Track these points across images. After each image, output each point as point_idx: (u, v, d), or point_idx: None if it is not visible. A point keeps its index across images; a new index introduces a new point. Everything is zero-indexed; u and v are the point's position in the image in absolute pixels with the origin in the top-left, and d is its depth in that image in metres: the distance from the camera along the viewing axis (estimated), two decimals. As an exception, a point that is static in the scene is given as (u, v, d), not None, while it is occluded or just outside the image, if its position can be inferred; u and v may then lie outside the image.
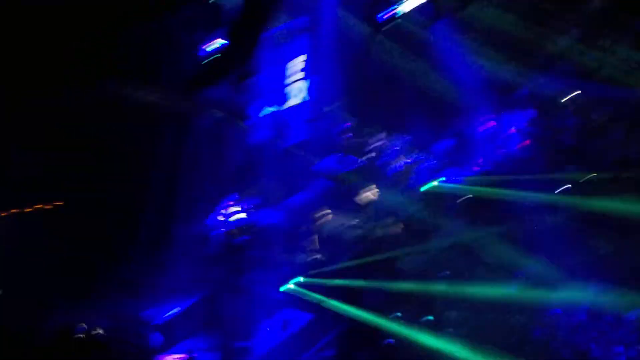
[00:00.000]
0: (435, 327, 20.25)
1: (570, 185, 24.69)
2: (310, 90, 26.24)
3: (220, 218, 22.62)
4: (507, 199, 24.04)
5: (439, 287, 21.38)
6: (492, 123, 26.95)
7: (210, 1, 21.64)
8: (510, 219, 23.59)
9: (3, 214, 18.72)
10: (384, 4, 25.63)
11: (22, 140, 18.47)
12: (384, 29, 24.96)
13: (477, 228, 24.01)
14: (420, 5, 25.83)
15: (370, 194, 24.59)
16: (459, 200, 25.09)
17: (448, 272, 22.31)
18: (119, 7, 18.71)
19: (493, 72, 28.70)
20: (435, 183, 25.51)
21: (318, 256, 22.57)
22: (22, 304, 17.92)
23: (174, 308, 20.59)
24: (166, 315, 20.34)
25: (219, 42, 21.61)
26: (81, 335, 18.07)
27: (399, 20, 25.48)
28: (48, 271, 18.73)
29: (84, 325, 18.31)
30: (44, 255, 18.86)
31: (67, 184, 19.64)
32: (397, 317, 20.96)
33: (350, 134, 27.24)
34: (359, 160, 26.80)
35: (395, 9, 25.58)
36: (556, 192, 24.47)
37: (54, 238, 19.28)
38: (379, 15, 25.09)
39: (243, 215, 22.80)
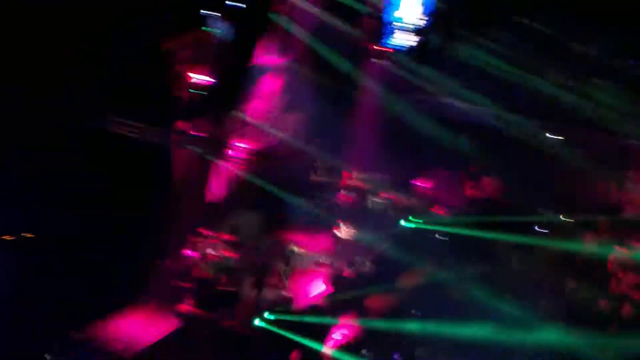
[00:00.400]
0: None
1: (546, 230, 24.76)
2: (290, 126, 26.30)
3: (193, 252, 22.64)
4: (482, 239, 24.06)
5: (408, 326, 21.29)
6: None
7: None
8: (484, 259, 23.64)
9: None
10: (371, 40, 25.85)
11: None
12: (370, 63, 25.05)
13: (451, 267, 24.03)
14: (408, 44, 26.04)
15: (340, 231, 24.54)
16: (434, 239, 25.12)
17: (419, 311, 22.27)
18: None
19: (475, 113, 28.93)
20: (410, 222, 25.55)
21: (286, 293, 22.54)
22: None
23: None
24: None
25: (204, 77, 21.81)
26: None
27: (386, 58, 25.63)
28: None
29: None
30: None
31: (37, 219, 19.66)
32: (365, 355, 20.90)
33: (328, 171, 27.32)
34: (332, 198, 26.95)
35: (384, 46, 25.82)
36: (531, 234, 24.54)
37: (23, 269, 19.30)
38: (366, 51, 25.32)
39: (214, 250, 22.82)
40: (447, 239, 24.94)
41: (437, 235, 25.16)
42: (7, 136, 18.93)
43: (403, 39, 26.08)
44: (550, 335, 19.88)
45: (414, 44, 26.20)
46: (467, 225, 24.46)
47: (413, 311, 22.31)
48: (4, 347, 18.12)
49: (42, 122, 19.51)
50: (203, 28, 22.90)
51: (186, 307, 21.48)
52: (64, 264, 20.02)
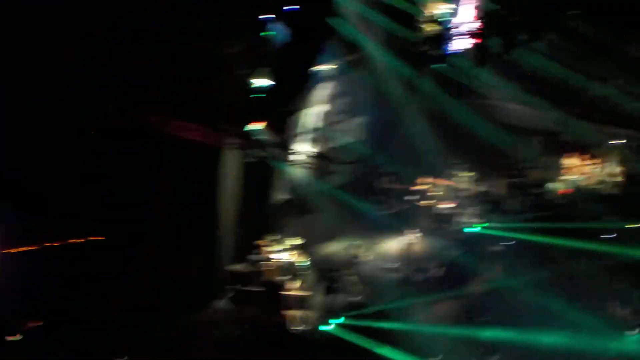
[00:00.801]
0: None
1: (615, 234, 24.53)
2: (354, 131, 26.24)
3: (261, 256, 22.60)
4: (550, 245, 23.88)
5: (480, 333, 21.13)
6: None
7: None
8: (553, 265, 23.46)
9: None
10: (430, 45, 25.72)
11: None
12: (432, 68, 24.92)
13: (519, 273, 23.87)
14: (466, 49, 25.89)
15: (411, 237, 24.44)
16: (500, 246, 24.98)
17: (488, 318, 22.11)
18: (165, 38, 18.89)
19: (535, 118, 28.75)
20: (477, 228, 25.44)
21: (358, 298, 22.43)
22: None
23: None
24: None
25: (265, 80, 21.73)
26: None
27: (445, 62, 25.51)
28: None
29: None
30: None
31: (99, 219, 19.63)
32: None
33: (393, 177, 27.26)
34: (400, 204, 26.91)
35: (443, 51, 25.68)
36: (599, 239, 24.32)
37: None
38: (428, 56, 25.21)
39: (283, 255, 22.74)
40: (514, 244, 24.78)
41: (503, 241, 25.00)
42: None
43: (461, 44, 25.90)
44: (629, 343, 19.58)
45: (472, 48, 25.99)
46: (534, 231, 24.27)
47: (484, 318, 22.14)
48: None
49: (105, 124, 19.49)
50: (262, 33, 22.80)
51: (256, 311, 21.40)
52: (130, 267, 20.00)
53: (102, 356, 17.99)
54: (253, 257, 22.72)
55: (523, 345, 20.23)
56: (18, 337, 16.39)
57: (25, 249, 17.99)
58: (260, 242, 22.92)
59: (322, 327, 21.24)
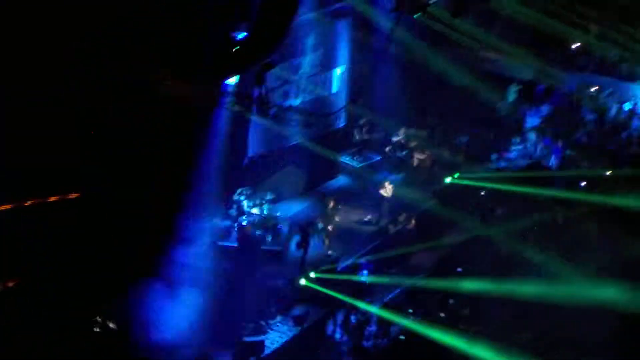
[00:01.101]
0: (448, 324, 20.12)
1: (585, 182, 24.60)
2: (333, 82, 26.15)
3: (235, 212, 22.57)
4: (524, 195, 23.93)
5: (452, 284, 21.22)
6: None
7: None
8: (527, 215, 23.54)
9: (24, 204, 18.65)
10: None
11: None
12: (414, 17, 24.68)
13: (494, 224, 23.96)
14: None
15: (385, 189, 24.45)
16: (478, 196, 25.05)
17: (460, 269, 22.23)
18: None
19: (513, 67, 28.69)
20: (451, 179, 25.46)
21: (331, 252, 22.51)
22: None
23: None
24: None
25: (241, 32, 21.47)
26: (96, 329, 18.02)
27: (424, 12, 25.27)
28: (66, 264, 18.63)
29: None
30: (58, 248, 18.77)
31: (78, 177, 19.49)
32: (410, 313, 20.89)
33: (369, 128, 27.24)
34: (376, 156, 26.95)
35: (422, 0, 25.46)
36: (573, 188, 24.41)
37: (69, 231, 19.19)
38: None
39: (257, 209, 22.74)
40: (491, 195, 24.84)
41: (481, 192, 25.06)
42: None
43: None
44: (606, 291, 19.58)
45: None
46: (511, 181, 24.28)
47: (458, 269, 22.24)
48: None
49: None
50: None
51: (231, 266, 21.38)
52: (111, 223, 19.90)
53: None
54: (230, 211, 22.70)
55: (497, 295, 20.22)
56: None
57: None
58: (236, 196, 22.89)
59: (297, 281, 21.27)
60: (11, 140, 16.56)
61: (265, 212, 22.79)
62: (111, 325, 17.65)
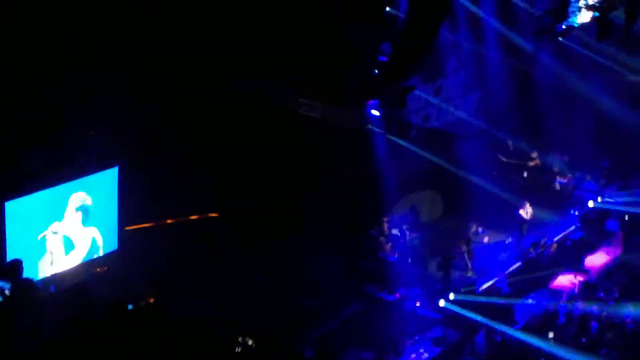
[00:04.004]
0: (590, 349, 19.85)
1: None
2: (473, 105, 26.22)
3: (375, 233, 22.77)
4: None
5: (593, 308, 20.95)
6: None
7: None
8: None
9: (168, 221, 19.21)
10: (553, 18, 25.37)
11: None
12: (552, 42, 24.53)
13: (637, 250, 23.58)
14: (588, 22, 25.49)
15: (525, 211, 24.33)
16: (618, 221, 24.67)
17: (602, 294, 21.89)
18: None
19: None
20: (592, 204, 25.15)
21: (470, 273, 22.54)
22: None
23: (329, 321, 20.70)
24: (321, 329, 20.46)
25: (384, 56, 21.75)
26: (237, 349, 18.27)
27: (565, 34, 25.18)
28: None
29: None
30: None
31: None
32: (550, 337, 20.67)
33: (509, 153, 27.11)
34: (516, 179, 26.82)
35: (566, 24, 25.33)
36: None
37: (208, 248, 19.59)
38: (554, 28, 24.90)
39: (396, 230, 22.94)
40: (634, 220, 24.44)
41: (625, 217, 24.67)
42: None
43: (585, 17, 25.47)
44: None
45: (595, 21, 25.50)
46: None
47: (601, 294, 21.89)
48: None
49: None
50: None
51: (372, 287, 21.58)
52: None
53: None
54: (371, 231, 22.89)
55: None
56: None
57: (145, 225, 18.60)
58: (378, 217, 23.07)
59: (437, 303, 21.32)
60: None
61: (405, 233, 22.98)
62: (250, 343, 17.84)
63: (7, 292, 12.15)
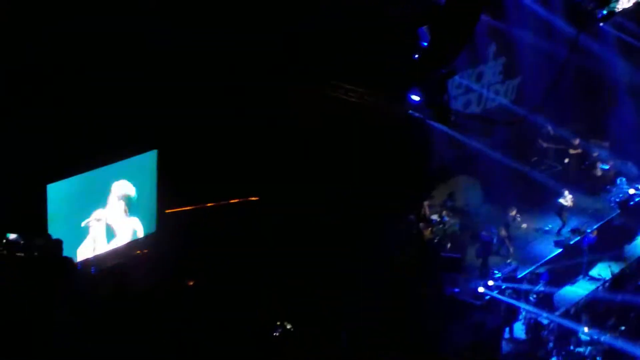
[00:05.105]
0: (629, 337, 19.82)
1: None
2: (513, 91, 26.10)
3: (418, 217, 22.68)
4: None
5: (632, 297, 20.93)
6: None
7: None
8: None
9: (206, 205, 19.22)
10: (593, 3, 25.09)
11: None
12: (598, 25, 24.29)
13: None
14: (630, 7, 25.18)
15: (565, 199, 24.24)
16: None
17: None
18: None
19: None
20: (634, 190, 24.98)
21: (510, 260, 22.51)
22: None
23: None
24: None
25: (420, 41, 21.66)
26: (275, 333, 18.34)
27: (606, 19, 24.86)
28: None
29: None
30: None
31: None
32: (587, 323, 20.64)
33: (549, 139, 26.97)
34: (556, 166, 26.74)
35: (608, 9, 25.03)
36: None
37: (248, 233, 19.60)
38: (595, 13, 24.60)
39: (436, 216, 22.89)
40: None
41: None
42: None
43: (627, 2, 25.15)
44: None
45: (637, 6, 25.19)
46: None
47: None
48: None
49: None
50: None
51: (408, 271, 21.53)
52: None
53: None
54: (412, 216, 22.81)
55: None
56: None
57: (185, 208, 18.64)
58: (417, 202, 23.00)
59: (474, 289, 21.31)
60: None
61: (444, 219, 22.97)
62: (289, 327, 17.89)
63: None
